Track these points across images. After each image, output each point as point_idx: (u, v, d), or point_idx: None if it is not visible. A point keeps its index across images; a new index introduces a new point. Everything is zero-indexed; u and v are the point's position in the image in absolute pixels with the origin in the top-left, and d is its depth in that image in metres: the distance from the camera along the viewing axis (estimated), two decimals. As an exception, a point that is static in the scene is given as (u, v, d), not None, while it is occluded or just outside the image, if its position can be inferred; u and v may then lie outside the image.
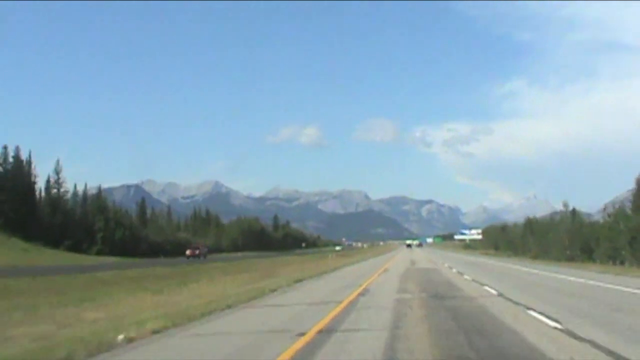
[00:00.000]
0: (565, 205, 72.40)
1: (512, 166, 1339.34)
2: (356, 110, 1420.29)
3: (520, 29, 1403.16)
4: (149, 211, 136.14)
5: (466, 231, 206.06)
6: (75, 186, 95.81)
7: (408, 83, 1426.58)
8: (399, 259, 62.13)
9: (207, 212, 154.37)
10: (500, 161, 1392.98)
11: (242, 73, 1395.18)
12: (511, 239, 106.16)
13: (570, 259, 64.26)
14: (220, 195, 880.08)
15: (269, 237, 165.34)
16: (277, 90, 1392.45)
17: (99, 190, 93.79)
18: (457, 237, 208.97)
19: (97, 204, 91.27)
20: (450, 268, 38.02)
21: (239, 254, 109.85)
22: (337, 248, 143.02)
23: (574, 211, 77.17)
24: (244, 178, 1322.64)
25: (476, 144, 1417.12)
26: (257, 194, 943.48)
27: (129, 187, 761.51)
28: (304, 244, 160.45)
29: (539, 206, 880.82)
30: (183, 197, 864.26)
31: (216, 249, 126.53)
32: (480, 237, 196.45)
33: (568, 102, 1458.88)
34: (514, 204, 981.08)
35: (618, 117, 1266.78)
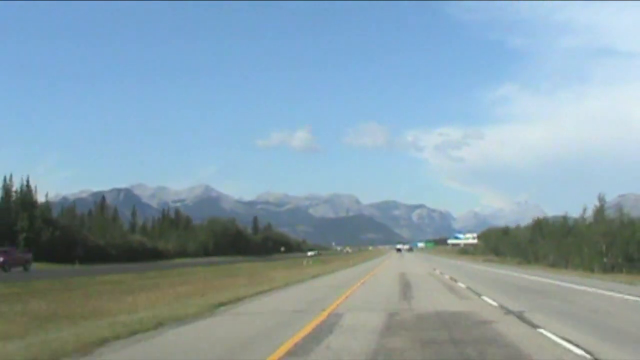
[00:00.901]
0: (601, 199, 55.92)
1: (504, 171, 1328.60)
2: (348, 114, 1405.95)
3: (513, 34, 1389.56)
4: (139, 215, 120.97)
5: (460, 235, 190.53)
6: (5, 179, 78.91)
7: (400, 87, 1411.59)
8: (383, 272, 43.24)
9: (177, 213, 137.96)
10: (492, 166, 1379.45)
11: (233, 77, 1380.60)
12: (518, 244, 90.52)
13: (609, 269, 48.77)
14: (210, 199, 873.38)
15: (247, 241, 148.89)
16: (269, 94, 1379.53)
17: (27, 183, 76.67)
18: (450, 241, 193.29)
19: (21, 199, 74.33)
20: (544, 332, 11.23)
21: (198, 260, 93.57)
22: (310, 253, 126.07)
23: (601, 209, 60.97)
24: (235, 182, 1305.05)
25: (467, 148, 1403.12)
26: (248, 198, 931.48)
27: (119, 190, 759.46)
28: (282, 249, 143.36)
29: (530, 211, 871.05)
30: (173, 201, 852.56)
31: (180, 254, 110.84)
32: (475, 241, 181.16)
33: (560, 107, 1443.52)
34: (505, 209, 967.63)
35: (610, 123, 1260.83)
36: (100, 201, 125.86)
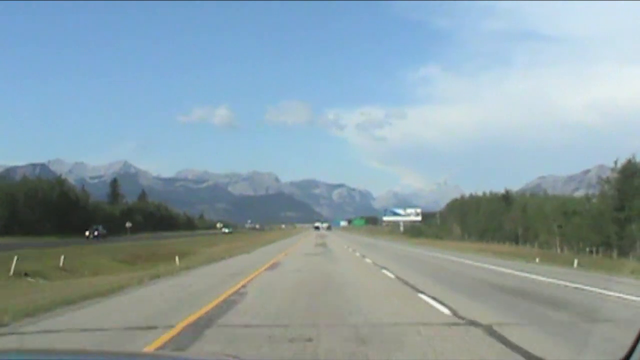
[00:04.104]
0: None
1: (424, 152, 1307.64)
2: (269, 92, 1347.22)
3: (436, 15, 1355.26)
4: None
5: (399, 210, 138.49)
6: None
7: (322, 66, 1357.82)
8: None
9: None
10: (413, 146, 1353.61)
11: (153, 51, 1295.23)
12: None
13: None
14: (128, 175, 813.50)
15: (88, 213, 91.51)
16: (189, 69, 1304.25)
17: None
18: (386, 218, 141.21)
19: None
20: None
21: None
22: None
23: None
24: (154, 158, 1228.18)
25: (389, 128, 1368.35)
26: (167, 174, 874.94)
27: (34, 165, 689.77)
28: (129, 224, 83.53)
29: (450, 192, 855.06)
30: (91, 178, 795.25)
31: None
32: (419, 218, 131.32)
33: (482, 89, 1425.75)
34: (425, 189, 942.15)
35: (531, 106, 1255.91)
36: None
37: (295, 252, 32.59)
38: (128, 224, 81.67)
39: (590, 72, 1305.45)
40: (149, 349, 6.80)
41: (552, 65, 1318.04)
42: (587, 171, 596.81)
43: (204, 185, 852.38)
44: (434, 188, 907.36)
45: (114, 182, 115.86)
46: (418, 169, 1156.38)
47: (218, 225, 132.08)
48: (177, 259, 26.65)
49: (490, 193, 72.17)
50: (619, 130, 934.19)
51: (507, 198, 61.91)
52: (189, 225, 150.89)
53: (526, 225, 54.62)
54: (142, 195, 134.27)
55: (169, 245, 49.15)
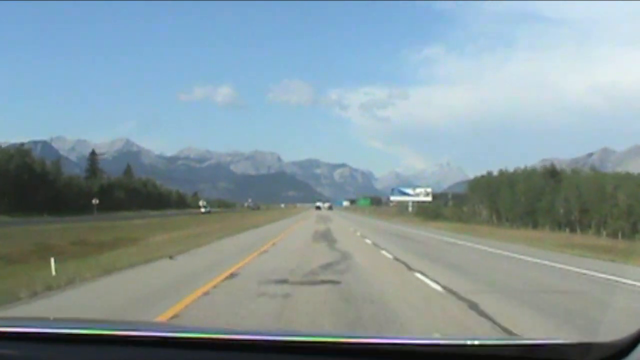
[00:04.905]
0: None
1: (427, 132, 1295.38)
2: (272, 71, 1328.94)
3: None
4: None
5: (408, 190, 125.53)
6: None
7: (326, 45, 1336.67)
8: None
9: None
10: (415, 127, 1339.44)
11: (156, 29, 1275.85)
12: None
13: None
14: (131, 153, 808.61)
15: (56, 189, 79.08)
16: (192, 48, 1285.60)
17: None
18: (394, 198, 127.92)
19: None
20: None
21: None
22: None
23: None
24: (156, 137, 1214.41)
25: (393, 108, 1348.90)
26: (169, 153, 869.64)
27: (36, 142, 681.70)
28: (95, 201, 68.07)
29: (451, 173, 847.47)
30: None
31: None
32: (429, 198, 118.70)
33: (485, 71, 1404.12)
34: (427, 170, 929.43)
35: (533, 89, 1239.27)
36: None
37: (272, 258, 17.47)
38: (95, 201, 68.79)
39: (594, 55, 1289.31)
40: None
41: (555, 47, 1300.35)
42: (591, 154, 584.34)
43: (206, 164, 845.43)
44: (436, 169, 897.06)
45: (92, 155, 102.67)
46: (420, 150, 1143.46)
47: (200, 203, 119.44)
48: (52, 263, 13.86)
49: (526, 168, 59.19)
50: (622, 114, 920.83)
51: (554, 174, 48.73)
52: (180, 203, 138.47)
53: (584, 208, 41.97)
54: (128, 171, 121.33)
55: (121, 228, 36.43)
